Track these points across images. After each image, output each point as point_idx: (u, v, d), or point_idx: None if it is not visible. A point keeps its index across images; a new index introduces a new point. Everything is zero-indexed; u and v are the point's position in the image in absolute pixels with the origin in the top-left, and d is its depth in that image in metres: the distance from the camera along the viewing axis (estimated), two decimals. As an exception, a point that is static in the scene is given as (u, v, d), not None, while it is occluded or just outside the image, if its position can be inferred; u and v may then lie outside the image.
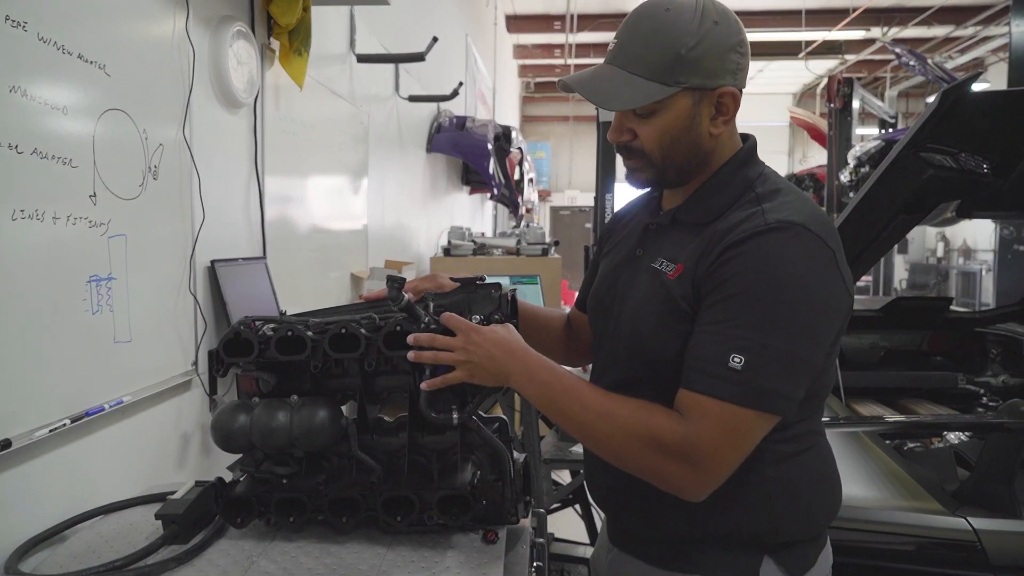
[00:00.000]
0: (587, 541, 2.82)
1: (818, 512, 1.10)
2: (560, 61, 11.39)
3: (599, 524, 2.82)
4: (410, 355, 1.06)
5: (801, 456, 1.08)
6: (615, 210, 3.35)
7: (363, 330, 1.11)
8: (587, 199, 13.87)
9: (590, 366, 1.30)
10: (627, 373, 1.13)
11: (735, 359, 0.93)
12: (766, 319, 0.94)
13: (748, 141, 1.13)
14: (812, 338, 0.96)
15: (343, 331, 1.11)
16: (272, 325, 1.15)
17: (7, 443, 1.11)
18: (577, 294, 1.44)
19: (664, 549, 1.11)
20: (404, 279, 1.09)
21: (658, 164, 1.08)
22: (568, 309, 1.50)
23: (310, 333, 1.12)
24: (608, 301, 1.20)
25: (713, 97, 1.04)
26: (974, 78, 1.99)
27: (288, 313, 1.22)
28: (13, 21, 1.12)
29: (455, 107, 5.18)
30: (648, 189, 1.24)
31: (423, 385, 1.07)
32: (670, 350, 1.03)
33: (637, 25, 1.03)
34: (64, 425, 1.24)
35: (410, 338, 1.07)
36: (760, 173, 1.09)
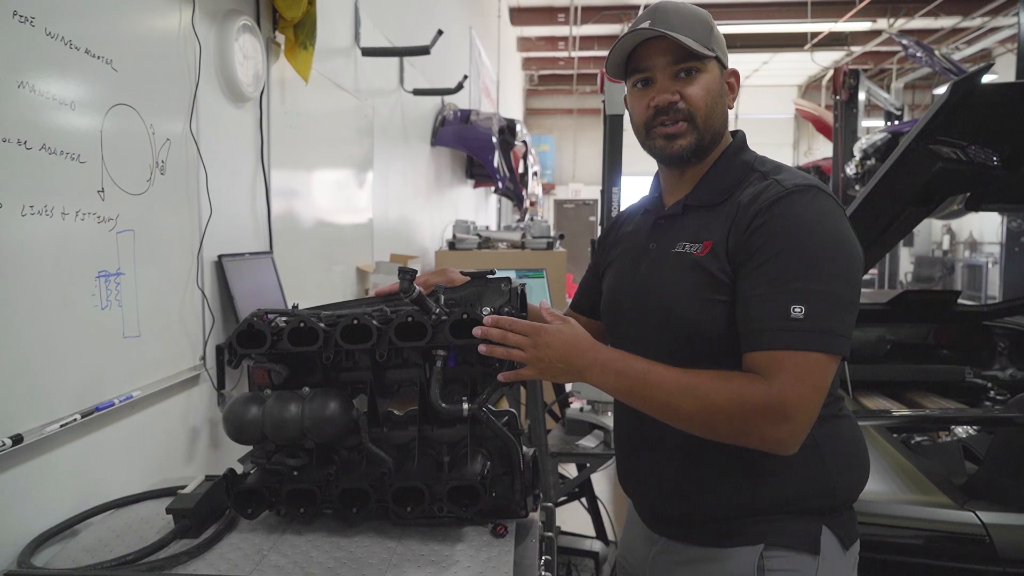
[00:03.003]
0: (594, 535, 2.83)
1: (861, 470, 1.16)
2: (564, 54, 11.36)
3: (606, 518, 2.82)
4: (482, 348, 1.06)
5: (838, 418, 1.14)
6: (621, 204, 3.34)
7: (375, 321, 1.11)
8: (591, 192, 13.85)
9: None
10: (669, 351, 1.11)
11: (796, 309, 0.98)
12: (813, 269, 0.99)
13: (739, 133, 1.22)
14: (852, 281, 1.02)
15: (355, 322, 1.11)
16: (285, 317, 1.15)
17: (19, 438, 1.12)
18: (574, 296, 1.47)
19: (720, 527, 1.12)
20: (415, 271, 1.09)
21: (702, 125, 1.13)
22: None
23: (322, 324, 1.12)
24: (628, 299, 1.21)
25: (727, 74, 1.18)
26: (985, 70, 1.98)
27: (299, 307, 1.22)
28: (21, 16, 1.12)
29: (459, 100, 5.17)
30: (650, 193, 1.29)
31: (500, 376, 1.08)
32: (713, 323, 1.07)
33: (667, 6, 1.14)
34: (75, 420, 1.25)
35: (478, 331, 1.05)
36: (755, 157, 1.19)
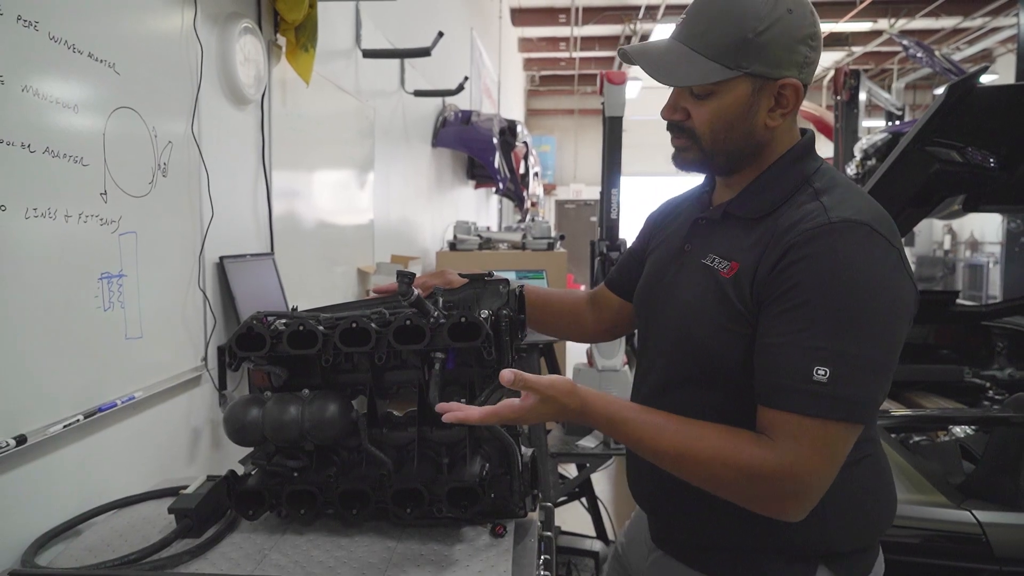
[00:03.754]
0: (593, 534, 2.84)
1: (872, 522, 1.08)
2: (565, 54, 11.36)
3: (606, 518, 2.83)
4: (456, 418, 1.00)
5: (857, 465, 1.05)
6: (620, 206, 3.35)
7: (373, 324, 1.12)
8: (592, 192, 13.85)
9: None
10: (676, 369, 1.11)
11: (819, 372, 0.89)
12: (845, 326, 0.91)
13: (806, 135, 1.10)
14: (889, 342, 0.93)
15: (354, 325, 1.12)
16: (284, 320, 1.16)
17: (22, 439, 1.13)
18: (612, 272, 1.40)
19: (714, 556, 1.10)
20: (414, 274, 1.10)
21: (707, 148, 1.04)
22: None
23: (321, 327, 1.13)
24: (655, 295, 1.18)
25: (774, 88, 1.01)
26: (981, 72, 1.99)
27: (299, 309, 1.23)
28: (25, 20, 1.13)
29: (460, 101, 5.18)
30: (700, 178, 1.21)
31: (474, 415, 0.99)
32: (728, 352, 1.00)
33: (709, 2, 1.01)
34: (77, 421, 1.26)
35: (466, 418, 0.99)
36: (817, 168, 1.05)
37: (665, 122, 1.12)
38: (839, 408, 0.90)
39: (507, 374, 0.98)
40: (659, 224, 1.29)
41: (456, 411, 0.98)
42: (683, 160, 1.09)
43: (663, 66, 1.02)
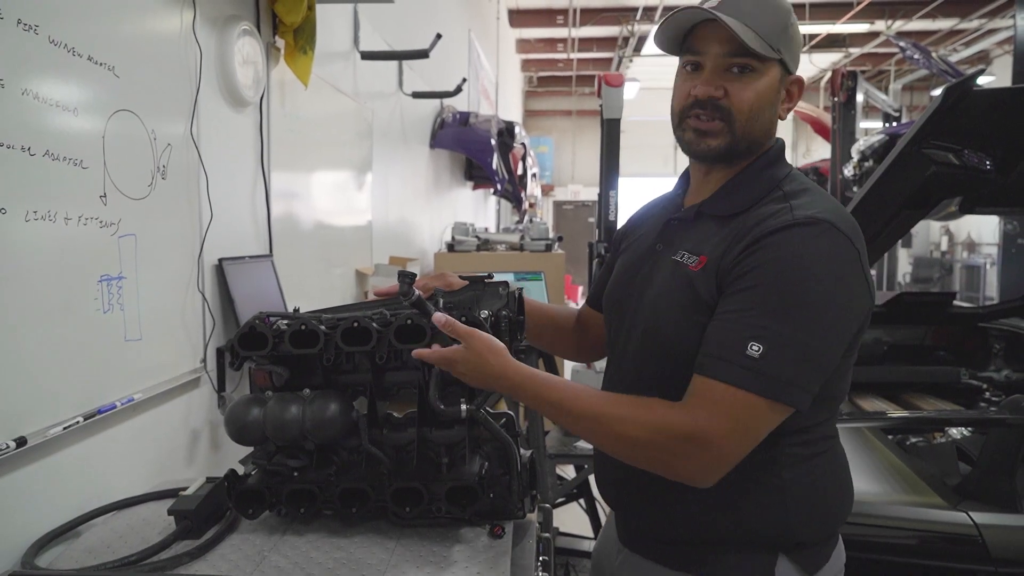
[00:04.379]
0: (592, 535, 2.84)
1: (831, 514, 1.10)
2: (563, 55, 11.37)
3: (604, 519, 2.84)
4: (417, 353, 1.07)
5: (817, 459, 1.08)
6: (619, 208, 3.35)
7: (374, 324, 1.13)
8: (590, 193, 13.86)
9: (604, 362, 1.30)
10: (644, 367, 1.12)
11: (753, 347, 0.92)
12: (788, 310, 0.94)
13: (777, 142, 1.13)
14: (833, 333, 0.96)
15: (355, 325, 1.13)
16: (286, 320, 1.17)
17: (23, 440, 1.13)
18: (589, 292, 1.42)
19: (677, 551, 1.11)
20: (415, 275, 1.11)
21: (739, 130, 1.05)
22: (574, 305, 1.50)
23: (323, 327, 1.14)
24: (625, 297, 1.19)
25: (788, 81, 1.08)
26: (978, 74, 2.00)
27: (300, 310, 1.24)
28: (25, 24, 1.14)
29: (458, 103, 5.19)
30: (674, 189, 1.24)
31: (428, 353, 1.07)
32: (691, 343, 1.02)
33: None
34: (77, 423, 1.26)
35: (419, 354, 1.07)
36: (787, 173, 1.09)
37: (667, 121, 1.14)
38: (765, 385, 0.92)
39: (440, 316, 1.05)
40: (628, 232, 1.31)
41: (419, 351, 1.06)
42: (705, 148, 1.07)
43: (735, 17, 1.01)
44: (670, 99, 1.13)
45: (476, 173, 5.98)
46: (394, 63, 3.71)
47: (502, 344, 1.06)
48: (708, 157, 1.09)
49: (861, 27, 9.74)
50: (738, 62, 1.03)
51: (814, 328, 0.94)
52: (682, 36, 1.08)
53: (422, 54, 3.33)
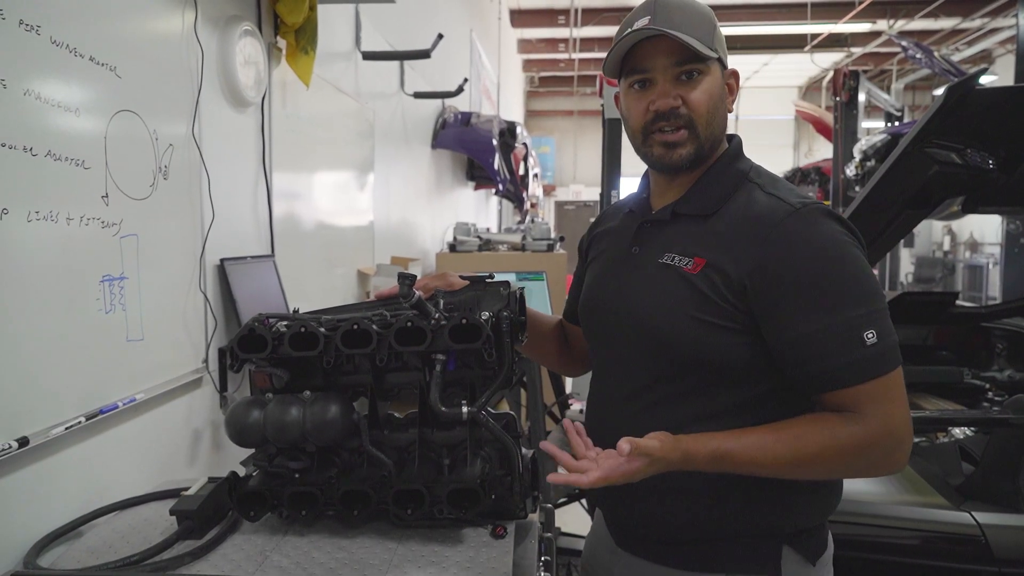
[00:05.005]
0: (593, 535, 2.84)
1: (828, 500, 1.13)
2: (564, 55, 11.38)
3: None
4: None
5: None
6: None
7: (375, 326, 1.13)
8: (591, 193, 13.86)
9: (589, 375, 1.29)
10: (654, 373, 1.11)
11: (869, 336, 0.97)
12: (858, 290, 0.99)
13: (735, 138, 1.18)
14: (879, 288, 1.04)
15: (355, 327, 1.12)
16: (286, 322, 1.17)
17: (25, 440, 1.13)
18: (566, 305, 1.41)
19: (680, 550, 1.11)
20: (415, 276, 1.11)
21: (702, 134, 1.09)
22: None
23: (323, 329, 1.14)
24: (605, 304, 1.18)
25: (727, 76, 1.13)
26: (980, 73, 2.00)
27: (300, 311, 1.24)
28: (27, 25, 1.14)
29: (460, 103, 5.19)
30: (637, 192, 1.25)
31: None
32: (709, 346, 1.03)
33: (668, 1, 1.08)
34: (79, 423, 1.26)
35: (577, 481, 0.96)
36: (751, 166, 1.14)
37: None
38: (891, 358, 0.99)
39: (624, 445, 0.95)
40: (595, 240, 1.32)
41: (567, 477, 0.97)
42: (677, 159, 1.09)
43: (676, 28, 1.05)
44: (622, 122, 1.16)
45: (478, 173, 5.99)
46: (396, 63, 3.71)
47: (668, 435, 1.00)
48: (680, 167, 1.11)
49: (863, 26, 9.74)
50: (687, 68, 1.07)
51: (876, 292, 1.01)
52: (621, 58, 1.11)
53: (424, 54, 3.33)
